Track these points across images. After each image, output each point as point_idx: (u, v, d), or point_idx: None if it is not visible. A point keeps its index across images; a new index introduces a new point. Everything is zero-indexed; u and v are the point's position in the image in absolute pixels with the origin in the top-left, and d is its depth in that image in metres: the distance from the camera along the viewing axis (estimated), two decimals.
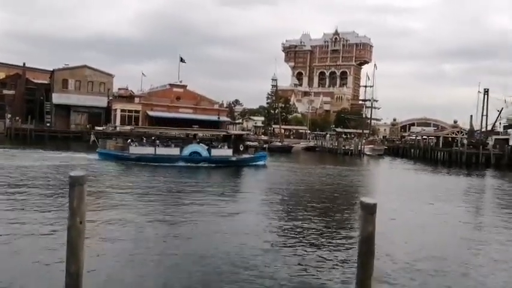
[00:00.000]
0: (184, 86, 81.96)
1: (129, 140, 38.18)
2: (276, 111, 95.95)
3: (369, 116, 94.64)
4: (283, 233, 13.58)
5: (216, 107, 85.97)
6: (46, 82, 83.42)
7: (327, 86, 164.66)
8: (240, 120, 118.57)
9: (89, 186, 19.60)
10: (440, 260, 11.35)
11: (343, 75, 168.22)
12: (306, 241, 12.66)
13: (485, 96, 75.01)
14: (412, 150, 77.57)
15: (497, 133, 79.26)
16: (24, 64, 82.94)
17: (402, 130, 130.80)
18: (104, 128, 72.17)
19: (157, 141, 37.85)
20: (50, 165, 29.28)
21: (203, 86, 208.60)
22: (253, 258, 10.56)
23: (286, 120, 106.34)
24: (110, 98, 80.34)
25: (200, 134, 43.45)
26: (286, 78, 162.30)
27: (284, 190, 24.67)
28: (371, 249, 5.64)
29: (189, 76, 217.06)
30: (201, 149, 36.99)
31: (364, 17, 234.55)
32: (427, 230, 15.32)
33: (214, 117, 78.50)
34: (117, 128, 72.05)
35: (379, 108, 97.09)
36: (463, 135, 76.98)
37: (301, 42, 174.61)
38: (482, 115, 75.64)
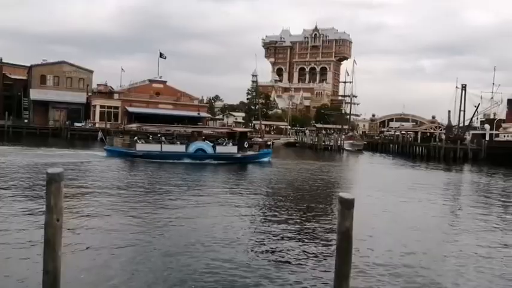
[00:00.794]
0: (164, 82, 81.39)
1: (136, 138, 38.62)
2: (257, 107, 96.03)
3: (349, 112, 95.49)
4: (263, 229, 13.52)
5: (196, 102, 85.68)
6: (24, 78, 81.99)
7: (307, 81, 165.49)
8: (221, 116, 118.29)
9: (82, 184, 19.60)
10: (417, 254, 11.43)
11: (323, 71, 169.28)
12: (286, 236, 12.64)
13: (463, 91, 76.36)
14: (391, 146, 78.57)
15: (475, 128, 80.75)
16: (0, 59, 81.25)
17: (381, 125, 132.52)
18: (83, 124, 71.32)
19: (163, 138, 38.41)
20: (65, 162, 29.18)
21: (183, 81, 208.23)
22: (233, 254, 10.51)
23: (267, 116, 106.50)
24: (89, 94, 79.36)
25: (205, 131, 43.93)
26: (266, 74, 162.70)
27: (265, 186, 24.68)
28: (349, 243, 5.68)
29: (169, 71, 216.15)
30: (206, 146, 37.43)
31: (342, 12, 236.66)
32: (405, 225, 15.44)
33: (194, 113, 78.26)
34: (96, 125, 71.39)
35: (358, 104, 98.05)
36: (441, 130, 78.32)
37: (281, 38, 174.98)
38: (459, 110, 77.00)
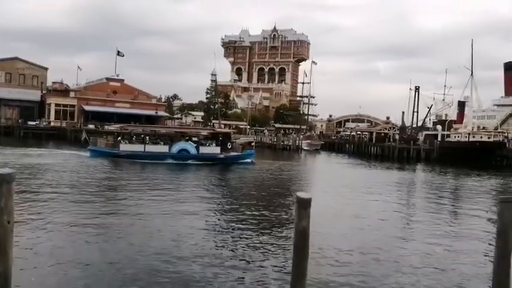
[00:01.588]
0: (121, 80, 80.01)
1: (120, 138, 38.74)
2: (216, 107, 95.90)
3: (307, 112, 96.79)
4: (220, 229, 13.64)
5: (154, 101, 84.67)
6: None
7: (266, 82, 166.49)
8: (179, 115, 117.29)
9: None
10: (372, 251, 11.76)
11: (282, 71, 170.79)
12: (244, 236, 12.77)
13: (416, 93, 79.00)
14: (347, 146, 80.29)
15: (427, 129, 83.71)
16: None
17: (338, 126, 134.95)
18: (37, 123, 69.15)
19: (147, 138, 38.59)
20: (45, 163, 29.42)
21: (141, 80, 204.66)
22: (191, 254, 10.57)
23: (226, 116, 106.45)
24: (44, 91, 76.92)
25: (188, 132, 43.95)
26: (225, 74, 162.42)
27: (223, 185, 24.79)
28: (306, 242, 5.70)
29: (126, 70, 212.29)
30: (190, 146, 37.61)
31: (299, 13, 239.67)
32: (360, 223, 15.86)
33: (152, 112, 77.42)
34: (51, 123, 69.49)
35: (316, 105, 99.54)
36: (395, 130, 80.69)
37: (240, 38, 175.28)
38: (413, 111, 79.61)
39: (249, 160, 40.05)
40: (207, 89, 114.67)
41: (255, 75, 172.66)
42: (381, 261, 10.93)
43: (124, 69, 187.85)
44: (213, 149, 38.38)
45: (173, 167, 33.21)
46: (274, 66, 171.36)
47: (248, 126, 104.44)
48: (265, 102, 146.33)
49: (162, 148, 37.36)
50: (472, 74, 69.32)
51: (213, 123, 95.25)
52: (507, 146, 62.86)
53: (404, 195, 26.41)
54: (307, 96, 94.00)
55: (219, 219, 15.24)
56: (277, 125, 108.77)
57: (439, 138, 70.32)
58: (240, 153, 40.21)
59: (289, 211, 16.56)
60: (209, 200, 19.30)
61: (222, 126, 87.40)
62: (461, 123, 79.86)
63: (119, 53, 78.20)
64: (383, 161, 58.16)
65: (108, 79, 79.13)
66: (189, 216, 15.06)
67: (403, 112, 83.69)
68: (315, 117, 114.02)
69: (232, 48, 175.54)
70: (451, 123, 79.02)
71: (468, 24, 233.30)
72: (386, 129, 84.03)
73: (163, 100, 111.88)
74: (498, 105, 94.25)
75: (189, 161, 36.23)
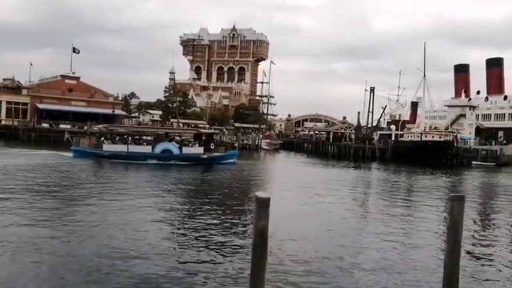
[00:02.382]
0: (77, 78, 77.96)
1: (103, 138, 38.76)
2: (174, 105, 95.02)
3: (266, 112, 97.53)
4: (179, 230, 13.69)
5: (110, 99, 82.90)
6: None
7: (225, 81, 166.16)
8: (137, 114, 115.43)
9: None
10: (330, 249, 12.12)
11: (241, 70, 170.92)
12: (202, 237, 12.80)
13: (371, 94, 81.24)
14: (305, 145, 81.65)
15: (382, 128, 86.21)
16: None
17: (296, 125, 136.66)
18: None
19: (130, 138, 38.76)
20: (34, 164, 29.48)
21: (97, 77, 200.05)
22: (150, 254, 10.60)
23: (185, 115, 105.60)
24: None
25: (171, 132, 43.97)
26: (184, 72, 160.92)
27: (182, 185, 24.81)
28: (264, 241, 5.70)
29: (82, 67, 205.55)
30: (173, 147, 37.74)
31: (258, 13, 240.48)
32: (318, 221, 16.25)
33: (109, 111, 75.84)
34: (2, 122, 66.94)
35: (275, 104, 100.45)
36: (351, 130, 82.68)
37: (199, 36, 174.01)
38: (368, 112, 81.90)
39: (231, 160, 40.34)
40: (166, 87, 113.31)
41: (214, 74, 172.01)
42: (338, 258, 11.23)
43: (80, 66, 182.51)
44: (196, 149, 38.62)
45: (155, 168, 33.15)
46: (234, 66, 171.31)
47: (207, 126, 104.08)
48: (225, 101, 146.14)
49: (145, 148, 37.43)
50: (424, 76, 71.89)
51: (171, 122, 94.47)
52: (457, 145, 65.77)
53: (360, 193, 27.15)
54: (266, 96, 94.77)
55: (179, 220, 15.32)
56: (236, 124, 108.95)
57: (393, 138, 72.61)
58: (223, 154, 40.65)
59: (250, 211, 16.80)
60: (167, 200, 19.28)
61: (181, 125, 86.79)
62: (414, 123, 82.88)
63: (74, 50, 76.13)
64: (340, 159, 59.49)
65: (63, 76, 76.88)
66: (151, 217, 15.09)
67: (358, 112, 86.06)
68: (274, 116, 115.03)
69: (191, 46, 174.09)
70: (404, 123, 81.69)
71: (422, 27, 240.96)
72: (342, 128, 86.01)
73: (120, 98, 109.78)
74: (449, 106, 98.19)
75: (172, 161, 36.31)
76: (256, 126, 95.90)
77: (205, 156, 38.15)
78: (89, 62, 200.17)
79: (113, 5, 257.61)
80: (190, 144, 39.49)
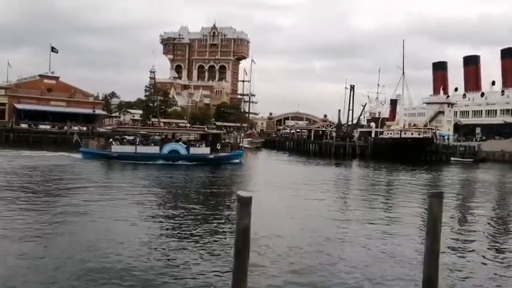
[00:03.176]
0: (56, 78, 76.86)
1: (111, 139, 39.40)
2: (155, 104, 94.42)
3: (247, 110, 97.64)
4: (162, 228, 13.67)
5: (91, 99, 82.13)
6: None
7: (206, 79, 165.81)
8: (117, 114, 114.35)
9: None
10: (313, 247, 12.20)
11: (222, 69, 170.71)
12: (185, 235, 12.83)
13: (351, 92, 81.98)
14: (287, 143, 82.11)
15: (362, 126, 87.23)
16: None
17: (278, 124, 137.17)
18: None
19: (138, 139, 39.53)
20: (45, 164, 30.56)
21: (77, 77, 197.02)
22: (134, 254, 10.60)
23: (166, 114, 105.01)
24: None
25: (178, 133, 44.79)
26: (165, 71, 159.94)
27: (166, 184, 24.78)
28: (247, 240, 5.72)
29: (62, 67, 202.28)
30: (180, 147, 38.18)
31: (238, 11, 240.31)
32: (301, 219, 16.36)
33: (89, 111, 75.09)
34: None
35: (256, 103, 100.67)
36: (332, 128, 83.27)
37: (179, 35, 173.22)
38: (348, 110, 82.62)
39: (237, 160, 40.72)
40: (146, 86, 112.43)
41: (195, 72, 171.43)
42: (320, 255, 11.35)
43: (59, 66, 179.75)
44: (203, 150, 39.06)
45: (162, 168, 33.40)
46: (215, 64, 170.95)
47: (188, 124, 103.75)
48: (206, 100, 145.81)
49: (153, 149, 37.93)
50: (403, 74, 72.94)
51: (152, 122, 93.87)
52: (435, 142, 66.88)
53: (341, 190, 27.39)
54: (247, 95, 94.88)
55: (163, 216, 15.31)
56: (218, 123, 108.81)
57: (373, 135, 73.50)
58: (229, 154, 40.95)
59: (232, 209, 16.81)
60: (146, 200, 19.26)
61: (162, 124, 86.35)
62: (394, 120, 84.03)
63: (53, 49, 75.04)
64: (321, 157, 59.94)
65: (42, 76, 75.69)
66: (139, 217, 15.07)
67: (339, 110, 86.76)
68: (255, 115, 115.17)
69: (171, 45, 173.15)
70: (384, 121, 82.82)
71: (400, 26, 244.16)
72: (323, 126, 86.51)
73: (101, 98, 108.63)
74: (427, 103, 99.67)
75: (180, 162, 36.71)
76: (238, 124, 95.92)
77: (211, 156, 38.65)
78: (68, 62, 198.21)
79: (92, 4, 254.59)
80: (197, 145, 40.04)
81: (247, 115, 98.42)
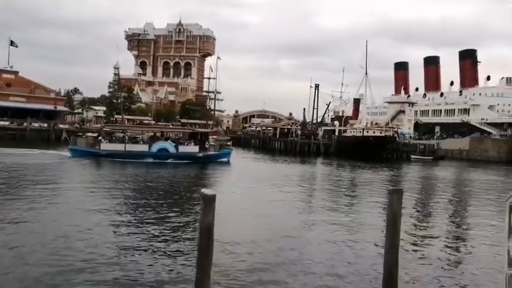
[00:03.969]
0: (15, 72, 74.62)
1: (100, 137, 38.98)
2: (119, 101, 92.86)
3: (213, 108, 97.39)
4: (125, 228, 13.50)
5: (52, 95, 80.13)
6: None
7: (171, 76, 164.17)
8: (80, 110, 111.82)
9: None
10: (276, 245, 12.31)
11: (188, 66, 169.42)
12: (148, 234, 12.78)
13: (316, 90, 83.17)
14: (253, 141, 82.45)
15: (326, 124, 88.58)
16: None
17: (244, 121, 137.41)
18: None
19: (126, 137, 39.45)
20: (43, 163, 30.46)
21: (38, 72, 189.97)
22: (96, 255, 10.54)
23: (130, 110, 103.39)
24: None
25: (166, 131, 45.41)
26: (129, 67, 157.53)
27: (131, 183, 24.63)
28: (210, 238, 5.74)
29: (21, 61, 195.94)
30: (169, 145, 38.50)
31: (204, 8, 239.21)
32: (264, 218, 16.41)
33: (50, 107, 73.32)
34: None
35: (222, 100, 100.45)
36: (297, 126, 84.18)
37: (144, 31, 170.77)
38: (313, 108, 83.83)
39: (225, 159, 40.83)
40: (110, 82, 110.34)
41: (160, 69, 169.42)
42: (282, 253, 11.46)
43: (19, 60, 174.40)
44: (192, 148, 39.25)
45: (150, 166, 33.67)
46: (180, 61, 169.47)
47: (153, 122, 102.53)
48: (171, 97, 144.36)
49: (142, 147, 38.06)
50: (366, 73, 74.55)
51: (116, 118, 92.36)
52: (397, 140, 68.75)
53: (305, 187, 27.72)
54: (213, 92, 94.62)
55: (124, 215, 15.27)
56: (183, 120, 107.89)
57: (337, 133, 74.86)
58: (217, 152, 41.26)
59: (194, 208, 16.82)
60: (116, 198, 19.18)
61: (126, 121, 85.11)
62: (357, 119, 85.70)
63: (12, 43, 72.79)
64: (286, 155, 60.61)
65: (1, 71, 73.31)
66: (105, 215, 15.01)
67: (304, 108, 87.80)
68: (221, 112, 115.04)
69: (136, 41, 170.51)
70: (347, 119, 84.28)
71: (364, 26, 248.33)
72: (289, 124, 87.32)
73: (62, 94, 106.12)
74: (389, 103, 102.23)
75: (169, 160, 36.79)
76: (203, 122, 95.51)
77: (200, 154, 38.92)
78: (29, 57, 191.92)
79: None
80: (186, 143, 40.14)
81: (212, 112, 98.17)
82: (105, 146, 37.41)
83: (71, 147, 37.73)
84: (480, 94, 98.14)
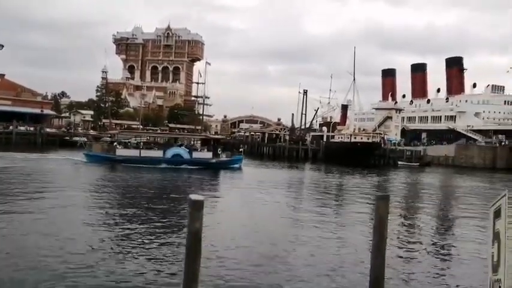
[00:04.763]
0: (1, 75, 73.98)
1: (115, 143, 40.31)
2: (106, 105, 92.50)
3: (201, 112, 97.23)
4: (113, 234, 13.37)
5: (39, 99, 79.54)
6: None
7: (159, 80, 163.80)
8: (67, 114, 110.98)
9: None
10: (264, 250, 12.30)
11: (176, 70, 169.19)
12: (136, 240, 12.71)
13: (304, 96, 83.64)
14: (241, 146, 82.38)
15: (314, 130, 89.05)
16: None
17: (232, 126, 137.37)
18: None
19: (142, 143, 40.60)
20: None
21: (24, 75, 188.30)
22: (82, 258, 10.52)
23: (117, 115, 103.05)
24: None
25: (181, 137, 46.41)
26: (117, 71, 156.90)
27: (116, 188, 24.54)
28: (198, 244, 5.70)
29: (7, 64, 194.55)
30: (183, 151, 39.28)
31: (194, 13, 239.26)
32: (253, 223, 16.44)
33: (37, 110, 72.62)
34: None
35: (210, 105, 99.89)
36: (285, 131, 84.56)
37: (133, 35, 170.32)
38: (302, 114, 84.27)
39: (237, 165, 41.46)
40: (98, 86, 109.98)
41: (148, 73, 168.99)
42: (272, 259, 11.39)
43: (5, 63, 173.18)
44: (205, 154, 39.96)
45: (164, 171, 33.99)
46: (168, 65, 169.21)
47: (141, 126, 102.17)
48: (159, 102, 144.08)
49: (157, 153, 38.72)
50: (354, 80, 75.09)
51: (104, 123, 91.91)
52: (383, 146, 69.31)
53: (294, 193, 27.89)
54: (201, 97, 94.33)
55: (113, 222, 15.23)
56: (171, 125, 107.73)
57: (325, 139, 75.27)
58: (230, 158, 41.90)
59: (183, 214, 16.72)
60: (106, 202, 19.10)
61: (113, 125, 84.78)
62: (345, 125, 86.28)
63: None
64: (275, 160, 60.81)
65: None
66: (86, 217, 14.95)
67: (292, 114, 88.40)
68: (210, 117, 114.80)
69: (124, 45, 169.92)
70: (335, 125, 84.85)
71: (351, 32, 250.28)
72: (277, 130, 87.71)
73: (49, 98, 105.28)
74: (376, 109, 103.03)
75: (183, 166, 37.20)
76: (192, 127, 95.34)
77: (213, 160, 39.50)
78: (15, 59, 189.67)
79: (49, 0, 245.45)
80: (199, 149, 41.02)
81: (201, 117, 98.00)
82: (121, 151, 38.25)
83: (86, 153, 38.61)
84: (466, 101, 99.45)
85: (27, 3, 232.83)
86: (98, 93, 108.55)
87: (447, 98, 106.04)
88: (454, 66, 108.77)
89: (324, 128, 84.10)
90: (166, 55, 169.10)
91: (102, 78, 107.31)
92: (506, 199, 3.31)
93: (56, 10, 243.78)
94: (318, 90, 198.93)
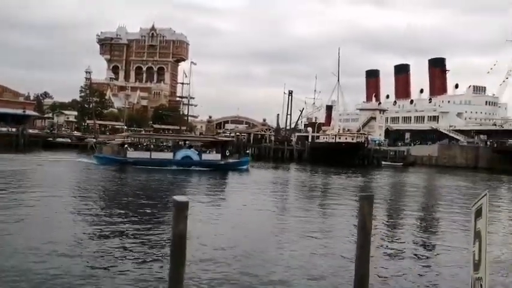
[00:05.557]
0: None
1: (126, 146, 40.88)
2: (90, 106, 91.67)
3: (186, 113, 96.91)
4: (98, 234, 13.39)
5: (21, 99, 78.66)
6: None
7: (144, 81, 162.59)
8: (50, 115, 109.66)
9: None
10: (249, 251, 12.37)
11: (161, 71, 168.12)
12: (122, 241, 12.69)
13: (289, 97, 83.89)
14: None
15: (299, 131, 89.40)
16: None
17: (217, 127, 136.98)
18: None
19: (152, 146, 40.98)
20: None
21: (6, 76, 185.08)
22: (68, 260, 10.51)
23: (101, 116, 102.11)
24: None
25: (190, 139, 46.98)
26: (101, 72, 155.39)
27: (102, 189, 24.39)
28: (183, 246, 5.66)
29: None
30: (192, 153, 39.94)
31: (179, 14, 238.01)
32: (238, 224, 16.55)
33: (19, 111, 71.74)
34: None
35: (196, 105, 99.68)
36: (270, 132, 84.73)
37: (117, 35, 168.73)
38: (287, 114, 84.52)
39: (245, 167, 42.03)
40: (81, 87, 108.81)
41: (132, 74, 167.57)
42: (257, 260, 11.48)
43: None
44: (214, 156, 40.64)
45: (173, 172, 34.48)
46: (153, 66, 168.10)
47: (125, 127, 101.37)
48: (144, 102, 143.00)
49: (167, 155, 39.29)
50: (338, 80, 75.71)
51: (87, 124, 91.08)
52: (368, 146, 69.91)
53: (279, 193, 28.02)
54: (186, 97, 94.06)
55: (97, 221, 15.15)
56: (155, 126, 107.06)
57: (310, 140, 75.62)
58: (238, 160, 42.81)
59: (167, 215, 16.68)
60: (88, 202, 18.97)
61: (97, 126, 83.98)
62: (329, 125, 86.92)
63: None
64: (260, 160, 60.78)
65: None
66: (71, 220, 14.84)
67: (277, 115, 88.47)
68: (195, 118, 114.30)
69: (108, 45, 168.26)
70: (320, 126, 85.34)
71: (336, 33, 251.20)
72: (263, 130, 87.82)
73: (32, 98, 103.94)
74: (361, 110, 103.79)
75: (192, 167, 37.90)
76: (177, 127, 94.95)
77: (222, 162, 40.16)
78: None
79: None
80: (208, 151, 41.52)
81: (186, 118, 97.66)
82: (132, 153, 38.89)
83: (97, 155, 39.12)
84: (449, 102, 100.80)
85: (8, 3, 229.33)
86: (82, 94, 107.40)
87: (430, 99, 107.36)
88: (437, 67, 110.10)
89: (309, 129, 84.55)
90: (150, 55, 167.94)
91: (86, 78, 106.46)
92: (486, 199, 3.38)
93: (39, 11, 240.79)
94: (303, 91, 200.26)
